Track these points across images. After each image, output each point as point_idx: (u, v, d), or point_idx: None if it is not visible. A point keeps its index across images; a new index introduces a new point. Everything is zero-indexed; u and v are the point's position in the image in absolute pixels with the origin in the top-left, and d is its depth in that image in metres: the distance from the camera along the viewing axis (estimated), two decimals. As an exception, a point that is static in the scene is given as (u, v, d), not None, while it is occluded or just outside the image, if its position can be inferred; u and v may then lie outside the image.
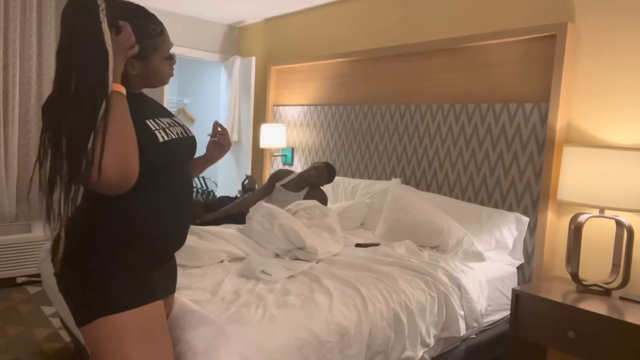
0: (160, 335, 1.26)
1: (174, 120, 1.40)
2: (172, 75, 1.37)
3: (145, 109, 1.31)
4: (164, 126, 1.31)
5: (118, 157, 1.08)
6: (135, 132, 1.14)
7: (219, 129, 1.59)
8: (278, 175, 3.32)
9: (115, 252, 1.22)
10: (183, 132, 1.38)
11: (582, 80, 2.39)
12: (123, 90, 1.16)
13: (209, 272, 1.98)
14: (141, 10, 1.28)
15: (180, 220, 1.35)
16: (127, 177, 1.11)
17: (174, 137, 1.31)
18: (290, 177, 3.29)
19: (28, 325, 2.81)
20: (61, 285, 1.24)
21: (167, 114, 1.41)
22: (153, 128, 1.26)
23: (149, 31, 1.26)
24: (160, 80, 1.35)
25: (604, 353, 1.89)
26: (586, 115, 2.37)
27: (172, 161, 1.30)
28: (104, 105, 1.10)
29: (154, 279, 1.29)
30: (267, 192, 3.31)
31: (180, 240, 1.40)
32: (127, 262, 1.23)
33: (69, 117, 1.08)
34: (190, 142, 1.41)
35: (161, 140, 1.25)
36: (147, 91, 1.40)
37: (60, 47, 1.12)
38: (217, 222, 3.00)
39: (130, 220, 1.24)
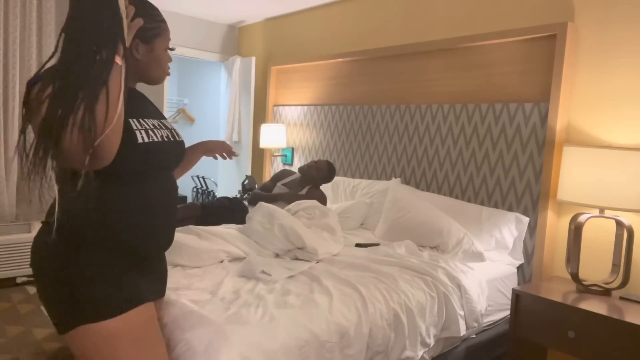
0: (152, 339, 1.22)
1: (162, 123, 1.34)
2: (168, 73, 1.36)
3: (132, 106, 1.23)
4: (147, 127, 1.25)
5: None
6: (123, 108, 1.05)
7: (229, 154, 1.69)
8: (278, 176, 3.38)
9: (92, 254, 1.17)
10: (169, 136, 1.32)
11: (582, 80, 2.39)
12: (122, 63, 1.06)
13: (208, 272, 1.98)
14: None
15: (160, 224, 1.29)
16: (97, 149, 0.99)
17: (156, 139, 1.25)
18: (292, 176, 3.32)
19: (28, 325, 2.81)
20: (40, 292, 1.19)
21: (156, 115, 1.35)
22: (134, 127, 1.20)
23: (154, 15, 1.27)
24: (159, 73, 1.33)
25: (604, 353, 1.89)
26: (586, 115, 2.37)
27: (150, 164, 1.24)
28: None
29: (137, 281, 1.24)
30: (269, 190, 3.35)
31: (163, 244, 1.34)
32: (106, 265, 1.18)
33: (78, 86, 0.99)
34: (177, 146, 1.35)
35: (140, 141, 1.20)
36: (146, 91, 1.40)
37: (69, 19, 1.03)
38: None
39: (105, 221, 1.18)
